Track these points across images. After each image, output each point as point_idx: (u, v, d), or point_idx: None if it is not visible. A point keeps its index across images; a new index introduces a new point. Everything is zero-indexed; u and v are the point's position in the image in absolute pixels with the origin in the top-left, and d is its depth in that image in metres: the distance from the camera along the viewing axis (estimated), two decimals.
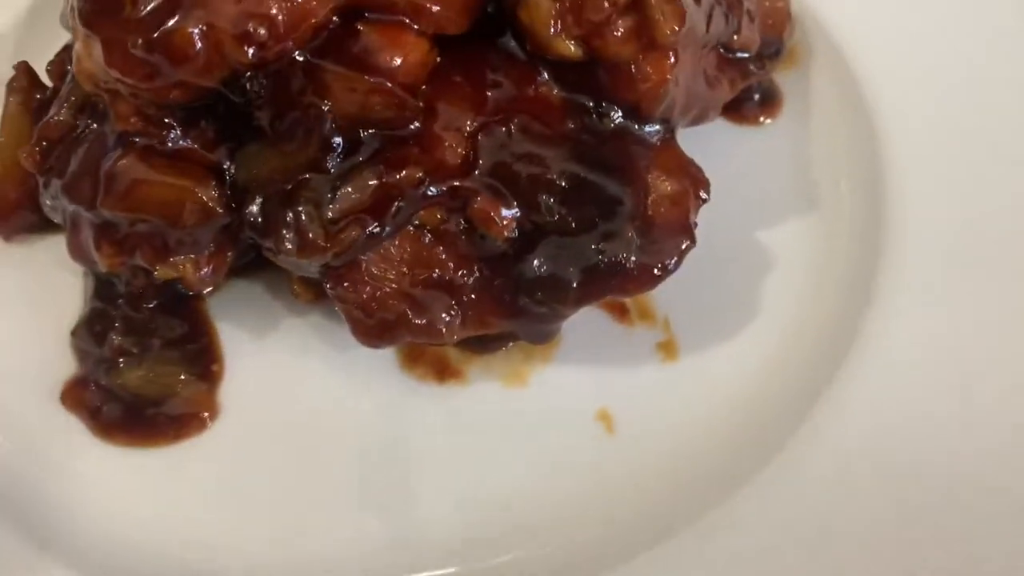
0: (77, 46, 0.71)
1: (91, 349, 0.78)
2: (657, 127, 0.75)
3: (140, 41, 0.63)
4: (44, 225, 0.85)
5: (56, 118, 0.77)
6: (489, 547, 0.72)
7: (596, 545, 0.71)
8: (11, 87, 0.84)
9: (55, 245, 0.83)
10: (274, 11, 0.64)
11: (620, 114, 0.74)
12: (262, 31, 0.64)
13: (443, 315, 0.73)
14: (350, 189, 0.69)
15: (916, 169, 0.85)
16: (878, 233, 0.83)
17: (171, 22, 0.63)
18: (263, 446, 0.76)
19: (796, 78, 0.95)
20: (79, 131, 0.77)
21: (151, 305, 0.79)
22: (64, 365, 0.79)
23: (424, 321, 0.72)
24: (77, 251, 0.77)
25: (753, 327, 0.80)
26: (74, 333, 0.79)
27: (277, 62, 0.67)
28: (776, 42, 0.90)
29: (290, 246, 0.70)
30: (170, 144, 0.72)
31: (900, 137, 0.88)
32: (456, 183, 0.70)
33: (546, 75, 0.74)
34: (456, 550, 0.72)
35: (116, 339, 0.77)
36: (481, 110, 0.73)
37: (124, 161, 0.71)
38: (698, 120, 0.81)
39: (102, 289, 0.80)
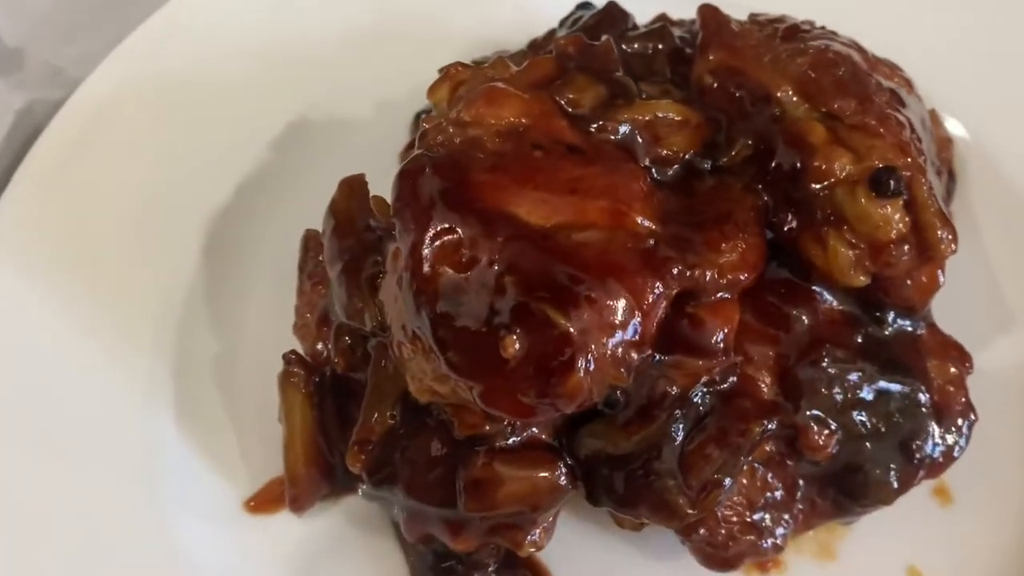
0: (414, 367, 0.74)
1: None
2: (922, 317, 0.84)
3: (532, 392, 0.67)
4: (330, 493, 0.89)
5: (374, 419, 0.80)
6: None
7: None
8: (288, 379, 0.86)
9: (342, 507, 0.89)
10: (639, 330, 0.69)
11: (893, 315, 0.82)
12: (635, 356, 0.69)
13: (776, 531, 0.81)
14: (703, 455, 0.75)
15: None
16: None
17: (558, 367, 0.67)
18: None
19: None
20: (396, 430, 0.80)
21: (492, 569, 0.84)
22: None
23: (768, 543, 0.80)
24: (418, 535, 0.81)
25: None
26: None
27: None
28: (950, 176, 0.99)
29: (654, 511, 0.76)
30: (513, 439, 0.77)
31: None
32: (786, 421, 0.77)
33: (825, 294, 0.81)
34: None
35: None
36: (777, 343, 0.80)
37: (484, 468, 0.75)
38: None
39: (439, 560, 0.84)
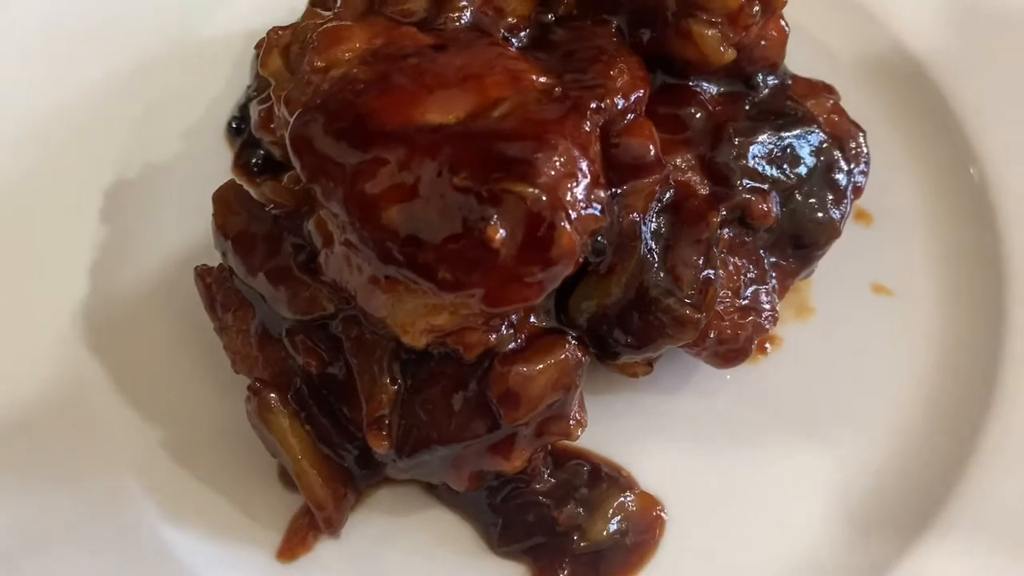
0: (401, 314, 0.72)
1: (537, 541, 0.81)
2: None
3: (534, 268, 0.66)
4: (356, 500, 0.84)
5: (376, 392, 0.76)
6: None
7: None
8: (266, 409, 0.79)
9: (371, 506, 0.85)
10: (592, 169, 0.70)
11: (762, 77, 0.88)
12: (602, 193, 0.70)
13: (765, 304, 0.85)
14: (684, 263, 0.78)
15: None
16: None
17: (546, 233, 0.66)
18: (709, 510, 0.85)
19: None
20: (403, 391, 0.77)
21: (548, 472, 0.83)
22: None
23: (766, 317, 0.84)
24: (468, 480, 0.78)
25: None
26: (501, 545, 0.82)
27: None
28: None
29: (671, 332, 0.78)
30: (518, 339, 0.76)
31: None
32: (731, 204, 0.81)
33: (703, 84, 0.85)
34: None
35: (560, 515, 0.81)
36: (689, 144, 0.83)
37: (507, 377, 0.74)
38: None
39: (495, 495, 0.82)
